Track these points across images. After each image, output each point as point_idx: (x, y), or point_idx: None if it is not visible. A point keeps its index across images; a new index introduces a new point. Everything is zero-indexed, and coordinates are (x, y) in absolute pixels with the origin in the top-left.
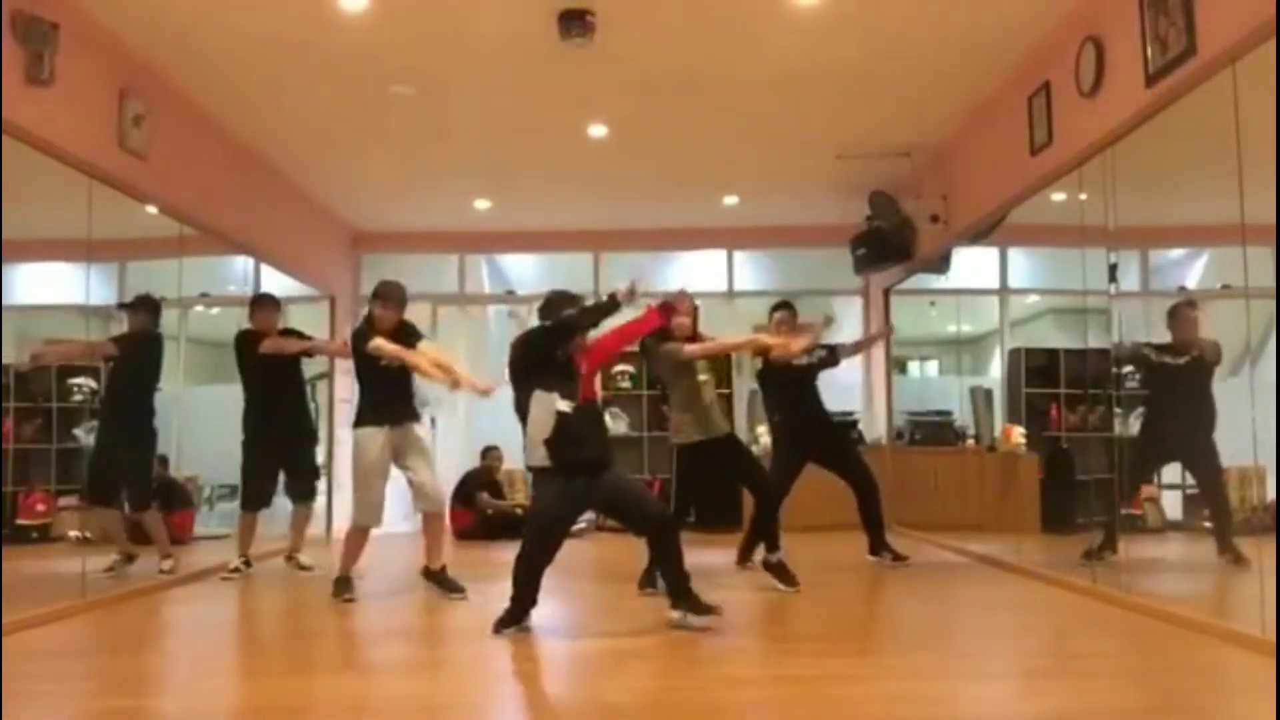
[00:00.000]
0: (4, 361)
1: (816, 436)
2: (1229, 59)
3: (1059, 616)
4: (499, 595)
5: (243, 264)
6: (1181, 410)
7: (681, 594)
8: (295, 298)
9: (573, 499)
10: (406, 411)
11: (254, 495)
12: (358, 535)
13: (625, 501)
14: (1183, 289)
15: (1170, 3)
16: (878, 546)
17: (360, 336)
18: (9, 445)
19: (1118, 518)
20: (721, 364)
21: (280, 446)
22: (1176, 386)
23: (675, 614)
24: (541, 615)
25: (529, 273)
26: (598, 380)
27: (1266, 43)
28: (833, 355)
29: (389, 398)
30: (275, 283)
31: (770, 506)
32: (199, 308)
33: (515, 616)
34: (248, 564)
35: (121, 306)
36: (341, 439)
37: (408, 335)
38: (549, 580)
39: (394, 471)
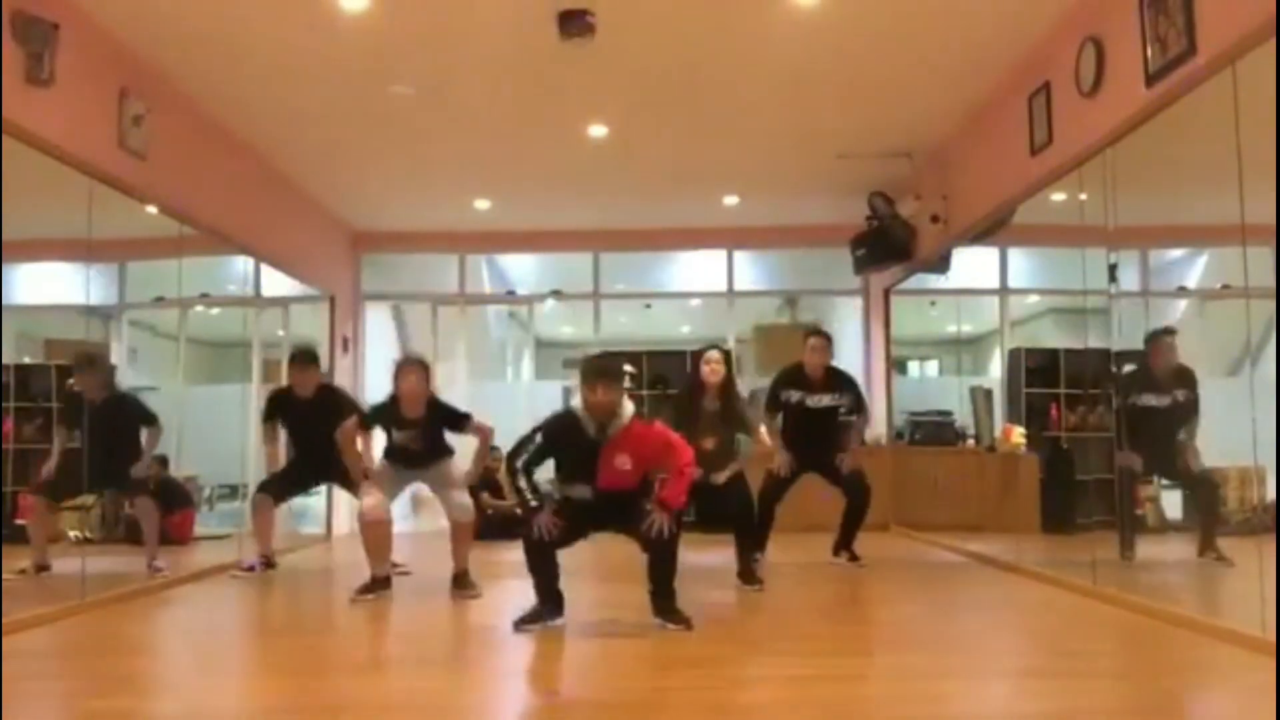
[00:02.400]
0: (4, 360)
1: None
2: (1229, 59)
3: (1059, 616)
4: (502, 596)
5: (243, 264)
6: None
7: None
8: (295, 298)
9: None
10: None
11: (274, 486)
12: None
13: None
14: (1182, 289)
15: (1170, 3)
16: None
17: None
18: (9, 445)
19: None
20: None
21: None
22: (1157, 428)
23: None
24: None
25: (529, 273)
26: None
27: (1266, 43)
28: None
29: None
30: (275, 283)
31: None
32: (199, 308)
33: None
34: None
35: None
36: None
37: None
38: None
39: None
